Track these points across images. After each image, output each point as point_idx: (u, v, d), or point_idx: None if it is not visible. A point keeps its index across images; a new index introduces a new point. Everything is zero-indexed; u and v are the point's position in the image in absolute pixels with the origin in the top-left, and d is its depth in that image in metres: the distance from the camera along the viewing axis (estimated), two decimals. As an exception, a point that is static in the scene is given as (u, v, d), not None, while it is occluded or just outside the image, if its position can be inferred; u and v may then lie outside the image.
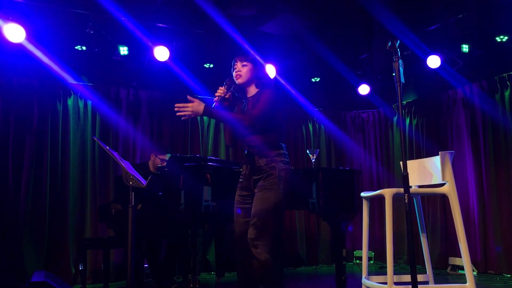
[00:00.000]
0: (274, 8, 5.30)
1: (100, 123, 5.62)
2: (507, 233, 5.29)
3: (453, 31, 5.50)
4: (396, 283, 3.06)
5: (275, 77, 6.00)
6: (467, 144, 5.77)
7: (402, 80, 2.65)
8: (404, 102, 6.58)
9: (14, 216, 5.03)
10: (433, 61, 5.66)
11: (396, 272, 3.22)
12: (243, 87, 3.09)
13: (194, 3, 4.79)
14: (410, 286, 2.53)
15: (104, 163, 5.60)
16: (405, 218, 2.55)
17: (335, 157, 7.13)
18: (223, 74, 3.18)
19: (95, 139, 3.25)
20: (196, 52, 5.90)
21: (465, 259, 3.05)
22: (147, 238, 4.56)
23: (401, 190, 2.67)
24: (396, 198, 3.14)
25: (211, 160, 4.24)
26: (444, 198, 5.78)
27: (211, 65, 6.06)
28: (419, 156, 6.15)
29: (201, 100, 2.89)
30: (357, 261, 6.57)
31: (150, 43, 5.39)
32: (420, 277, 3.17)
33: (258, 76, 3.09)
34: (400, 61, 2.65)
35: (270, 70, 5.86)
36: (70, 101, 5.50)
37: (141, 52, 5.59)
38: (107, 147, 3.06)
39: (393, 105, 6.87)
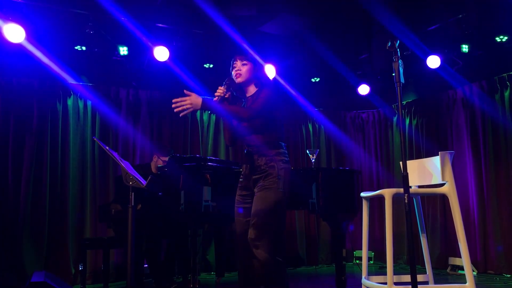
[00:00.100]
0: (274, 8, 5.30)
1: (100, 123, 5.62)
2: (507, 233, 5.29)
3: (453, 31, 5.50)
4: (396, 283, 3.06)
5: (274, 78, 6.00)
6: (467, 144, 5.77)
7: (402, 80, 2.65)
8: (404, 102, 6.58)
9: (14, 216, 5.03)
10: (433, 61, 5.66)
11: (396, 272, 3.22)
12: (242, 87, 3.09)
13: (194, 3, 4.79)
14: (410, 286, 2.53)
15: (104, 163, 5.60)
16: (405, 218, 2.55)
17: (335, 157, 7.13)
18: (223, 74, 3.17)
19: (95, 139, 3.25)
20: (196, 52, 5.90)
21: (465, 259, 3.05)
22: (147, 238, 4.56)
23: (401, 190, 2.67)
24: (396, 198, 3.14)
25: (211, 160, 4.24)
26: (444, 198, 5.78)
27: (211, 65, 6.06)
28: (419, 156, 6.15)
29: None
30: (357, 261, 6.57)
31: (150, 43, 5.39)
32: (420, 277, 3.17)
33: (257, 76, 3.09)
34: (400, 61, 2.65)
35: (270, 70, 5.86)
36: (70, 101, 5.50)
37: (141, 52, 5.59)
38: (107, 147, 3.06)
39: (393, 105, 6.87)
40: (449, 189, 3.12)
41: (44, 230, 5.14)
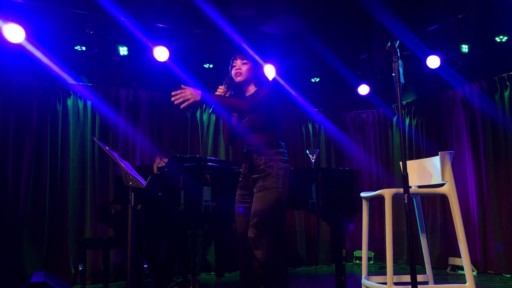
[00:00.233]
0: (274, 8, 5.30)
1: (99, 124, 5.62)
2: (507, 233, 5.29)
3: (452, 31, 5.50)
4: (395, 283, 3.06)
5: (274, 78, 6.00)
6: (466, 144, 5.77)
7: (402, 80, 2.65)
8: (404, 102, 6.58)
9: (14, 216, 5.03)
10: (433, 61, 5.66)
11: (396, 272, 3.22)
12: (242, 86, 3.08)
13: (193, 3, 4.78)
14: (410, 286, 2.53)
15: (104, 164, 5.60)
16: (404, 218, 2.55)
17: (335, 157, 7.14)
18: (223, 74, 3.17)
19: (95, 139, 3.25)
20: (195, 52, 5.90)
21: (464, 259, 3.05)
22: (147, 238, 4.56)
23: (401, 190, 2.67)
24: (395, 198, 3.14)
25: (210, 161, 4.24)
26: (443, 198, 5.78)
27: (211, 65, 6.06)
28: (418, 156, 6.15)
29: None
30: (357, 261, 6.57)
31: (149, 43, 5.39)
32: (420, 277, 3.17)
33: (257, 75, 3.08)
34: (400, 61, 2.65)
35: (270, 70, 5.86)
36: (69, 102, 5.50)
37: (141, 53, 5.59)
38: (107, 148, 3.06)
39: (392, 105, 6.87)
40: (449, 189, 3.12)
41: (44, 230, 5.14)
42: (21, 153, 5.16)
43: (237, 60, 3.06)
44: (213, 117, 6.29)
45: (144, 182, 3.03)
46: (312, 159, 4.33)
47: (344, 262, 4.01)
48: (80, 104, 5.56)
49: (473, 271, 3.62)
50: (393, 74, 2.67)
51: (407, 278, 3.17)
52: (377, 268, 6.16)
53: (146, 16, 5.27)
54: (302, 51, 6.25)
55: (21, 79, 5.25)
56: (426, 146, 6.22)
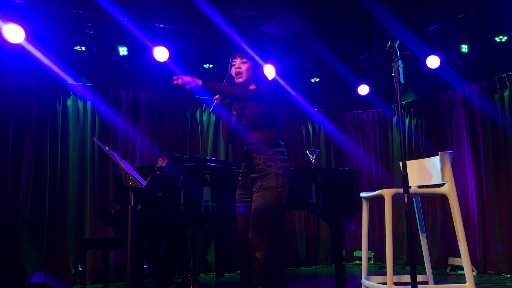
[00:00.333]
0: (273, 8, 5.30)
1: (99, 124, 5.62)
2: (507, 233, 5.29)
3: (452, 31, 5.50)
4: (395, 283, 3.06)
5: (274, 78, 6.00)
6: (466, 144, 5.77)
7: (402, 80, 2.65)
8: (404, 102, 6.58)
9: (14, 216, 5.03)
10: (433, 61, 5.66)
11: (395, 272, 3.22)
12: (241, 85, 3.08)
13: (193, 3, 4.78)
14: (410, 286, 2.53)
15: (104, 164, 5.60)
16: (404, 218, 2.55)
17: (335, 157, 7.14)
18: (223, 74, 3.17)
19: (95, 139, 3.25)
20: (195, 53, 5.90)
21: (464, 259, 3.05)
22: (147, 238, 4.56)
23: (401, 190, 2.67)
24: (395, 198, 3.14)
25: (210, 161, 4.24)
26: (443, 198, 5.78)
27: (211, 66, 6.06)
28: (418, 156, 6.15)
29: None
30: (357, 261, 6.57)
31: (149, 44, 5.39)
32: (419, 277, 3.17)
33: (256, 74, 3.08)
34: (400, 61, 2.65)
35: (270, 71, 5.86)
36: (69, 102, 5.50)
37: (141, 53, 5.59)
38: (107, 148, 3.05)
39: (392, 105, 6.88)
40: (448, 189, 3.12)
41: (44, 230, 5.14)
42: (21, 153, 5.16)
43: (236, 59, 3.05)
44: (213, 117, 6.29)
45: (144, 182, 3.03)
46: (312, 159, 4.33)
47: (344, 262, 4.01)
48: (80, 104, 5.56)
49: (473, 271, 3.62)
50: (393, 74, 2.67)
51: (407, 278, 3.17)
52: (377, 268, 6.16)
53: (146, 16, 5.27)
54: (302, 51, 6.25)
55: (21, 79, 5.25)
56: (426, 146, 6.22)
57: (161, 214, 4.15)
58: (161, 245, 4.85)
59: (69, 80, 5.42)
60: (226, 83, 3.01)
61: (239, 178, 3.07)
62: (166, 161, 4.85)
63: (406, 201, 2.51)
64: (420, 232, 3.52)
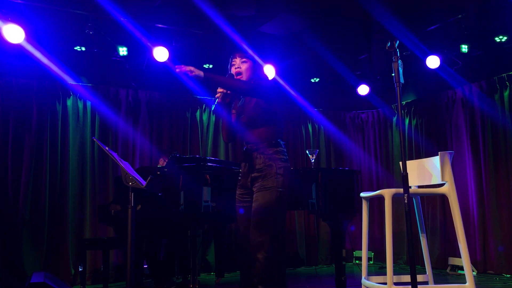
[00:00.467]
0: (273, 8, 5.30)
1: (99, 124, 5.62)
2: (507, 233, 5.29)
3: (452, 31, 5.50)
4: (395, 283, 3.06)
5: (274, 78, 6.00)
6: (466, 144, 5.77)
7: (402, 80, 2.65)
8: (404, 103, 6.58)
9: (14, 217, 5.03)
10: (433, 61, 5.66)
11: (395, 272, 3.22)
12: None
13: (193, 3, 4.78)
14: (410, 286, 2.53)
15: (104, 164, 5.60)
16: (404, 218, 2.55)
17: (335, 157, 7.14)
18: (223, 74, 3.17)
19: (95, 139, 3.25)
20: (195, 53, 5.90)
21: (464, 259, 3.05)
22: (147, 238, 4.56)
23: (401, 190, 2.67)
24: (395, 198, 3.14)
25: (210, 161, 4.24)
26: (443, 198, 5.78)
27: (211, 66, 6.06)
28: (418, 156, 6.15)
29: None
30: (357, 262, 6.57)
31: (149, 44, 5.39)
32: (419, 277, 3.17)
33: (256, 74, 3.08)
34: (400, 61, 2.65)
35: (270, 71, 5.86)
36: (69, 102, 5.50)
37: (140, 53, 5.59)
38: (107, 148, 3.06)
39: (392, 106, 6.88)
40: (448, 189, 3.12)
41: (44, 231, 5.14)
42: (20, 153, 5.16)
43: (236, 58, 3.06)
44: (213, 117, 6.29)
45: (144, 183, 3.03)
46: (312, 159, 4.33)
47: (344, 262, 4.01)
48: (80, 105, 5.56)
49: (473, 271, 3.62)
50: (393, 74, 2.67)
51: (407, 278, 3.17)
52: (377, 268, 6.16)
53: (146, 16, 5.27)
54: (302, 51, 6.25)
55: (21, 79, 5.25)
56: (426, 146, 6.22)
57: (161, 214, 4.15)
58: (161, 245, 4.85)
59: (69, 80, 5.42)
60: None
61: (239, 178, 3.07)
62: (166, 161, 4.85)
63: (406, 201, 2.51)
64: (420, 232, 3.52)
